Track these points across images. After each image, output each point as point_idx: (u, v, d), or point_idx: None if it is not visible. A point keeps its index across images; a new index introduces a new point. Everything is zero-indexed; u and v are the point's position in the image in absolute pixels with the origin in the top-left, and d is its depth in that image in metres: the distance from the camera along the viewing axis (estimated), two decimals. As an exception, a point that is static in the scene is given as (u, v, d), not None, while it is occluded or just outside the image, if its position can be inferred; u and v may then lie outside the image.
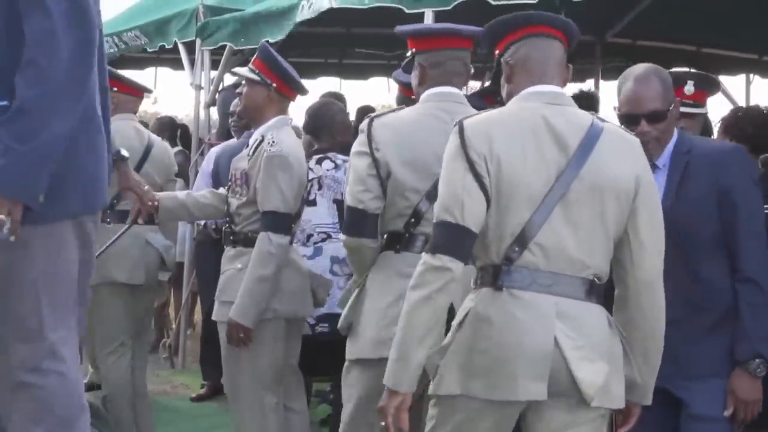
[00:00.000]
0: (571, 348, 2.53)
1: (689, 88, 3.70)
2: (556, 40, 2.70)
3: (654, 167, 2.93)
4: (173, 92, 57.94)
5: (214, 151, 6.04)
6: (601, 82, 8.39)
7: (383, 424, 2.59)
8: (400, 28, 3.38)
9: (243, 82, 4.16)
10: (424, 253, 2.60)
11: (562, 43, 2.72)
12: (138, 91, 5.12)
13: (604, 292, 2.65)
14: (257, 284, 3.80)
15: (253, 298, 3.81)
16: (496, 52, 2.76)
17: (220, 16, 6.81)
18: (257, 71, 3.97)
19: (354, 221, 3.22)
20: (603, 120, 2.69)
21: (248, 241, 3.90)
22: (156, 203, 4.09)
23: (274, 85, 3.94)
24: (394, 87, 4.92)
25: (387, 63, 9.27)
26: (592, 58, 8.14)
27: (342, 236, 3.32)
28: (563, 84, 2.71)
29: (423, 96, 3.27)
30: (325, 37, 7.85)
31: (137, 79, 5.29)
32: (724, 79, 8.62)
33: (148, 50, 7.87)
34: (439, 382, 2.62)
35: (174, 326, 7.27)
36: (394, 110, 3.34)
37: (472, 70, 3.37)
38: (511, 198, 2.56)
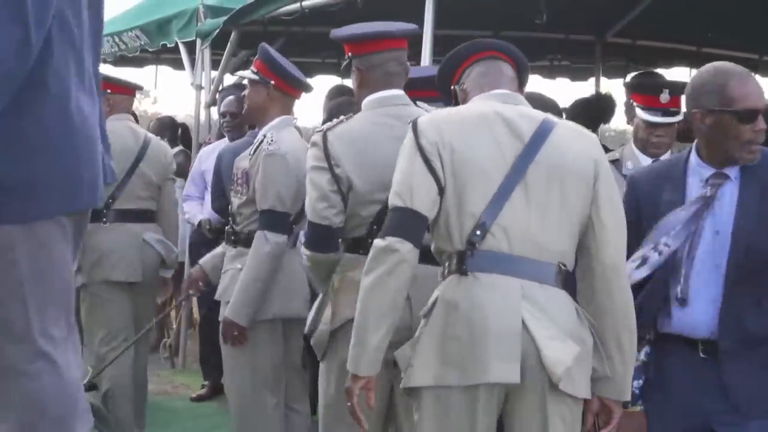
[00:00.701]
0: (538, 328, 2.55)
1: (665, 96, 3.77)
2: (505, 62, 2.84)
3: (724, 177, 2.76)
4: (173, 92, 57.88)
5: (205, 151, 6.06)
6: (602, 82, 8.38)
7: (349, 404, 2.68)
8: (334, 33, 3.39)
9: (246, 83, 4.18)
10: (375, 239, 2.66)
11: (511, 66, 2.85)
12: (130, 90, 5.17)
13: (570, 285, 2.68)
14: (252, 283, 3.82)
15: (249, 297, 3.83)
16: (453, 87, 2.89)
17: (219, 18, 6.81)
18: (257, 71, 4.01)
19: (320, 237, 3.24)
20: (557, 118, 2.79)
21: (248, 241, 3.92)
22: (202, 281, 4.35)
23: (273, 82, 3.97)
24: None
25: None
26: (592, 58, 8.14)
27: (306, 251, 3.32)
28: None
29: (366, 102, 3.29)
30: (324, 37, 7.84)
31: (137, 79, 5.33)
32: (725, 79, 8.63)
33: (149, 50, 7.88)
34: (411, 373, 2.65)
35: (174, 326, 7.28)
36: (341, 120, 3.31)
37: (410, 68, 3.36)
38: (468, 183, 2.61)
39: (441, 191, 2.63)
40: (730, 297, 2.68)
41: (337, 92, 5.22)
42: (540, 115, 2.74)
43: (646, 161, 3.77)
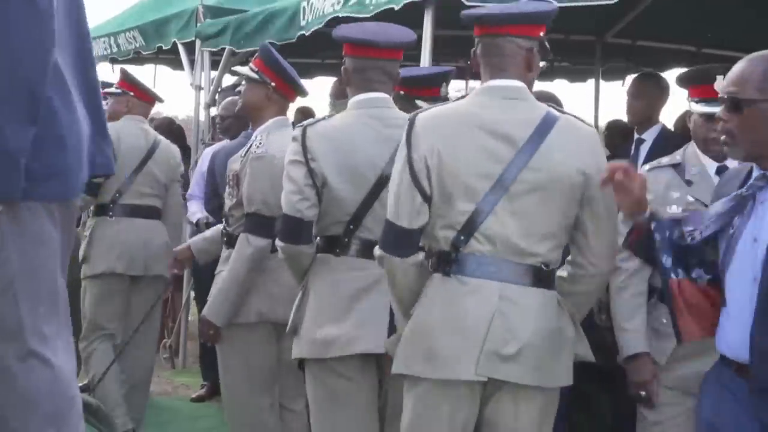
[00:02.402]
0: (507, 329, 2.69)
1: (720, 83, 3.40)
2: (520, 38, 2.79)
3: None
4: (173, 92, 57.97)
5: (210, 150, 6.07)
6: (601, 82, 8.38)
7: None
8: (335, 31, 3.39)
9: (243, 81, 4.18)
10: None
11: (526, 38, 2.80)
12: (150, 98, 5.44)
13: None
14: (230, 284, 3.84)
15: (226, 298, 3.86)
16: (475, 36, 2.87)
17: (220, 19, 6.81)
18: (257, 70, 3.98)
19: (291, 229, 3.30)
20: (562, 112, 2.80)
21: None
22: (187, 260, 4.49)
23: (273, 84, 3.95)
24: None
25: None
26: (592, 58, 8.14)
27: (278, 242, 3.37)
28: (523, 78, 2.81)
29: (351, 102, 3.36)
30: (324, 37, 7.84)
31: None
32: (724, 80, 8.62)
33: (143, 53, 7.88)
34: (395, 363, 2.83)
35: (174, 326, 7.27)
36: (323, 118, 3.38)
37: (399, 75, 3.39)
38: (454, 194, 2.72)
39: (428, 200, 2.75)
40: (763, 317, 2.36)
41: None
42: (539, 113, 2.76)
43: (711, 166, 3.29)
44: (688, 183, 3.26)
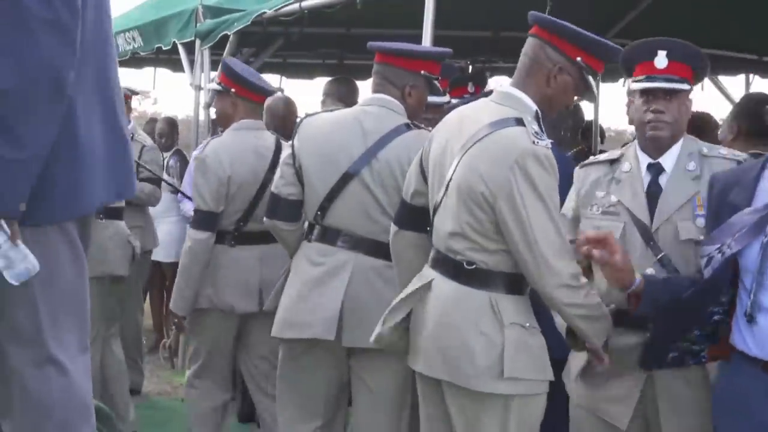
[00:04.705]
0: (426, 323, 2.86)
1: (661, 60, 3.07)
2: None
3: None
4: (173, 92, 58.01)
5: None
6: (601, 83, 8.37)
7: None
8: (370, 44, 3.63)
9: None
10: None
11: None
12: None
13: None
14: (179, 276, 4.21)
15: (179, 288, 4.21)
16: None
17: (219, 19, 6.81)
18: (219, 82, 4.35)
19: (270, 204, 3.63)
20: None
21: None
22: None
23: (233, 90, 4.27)
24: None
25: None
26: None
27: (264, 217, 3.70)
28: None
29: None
30: (324, 38, 7.84)
31: (136, 79, 5.49)
32: (724, 80, 8.62)
33: (141, 54, 7.88)
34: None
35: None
36: (327, 110, 3.74)
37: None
38: (431, 188, 2.96)
39: (425, 183, 3.00)
40: None
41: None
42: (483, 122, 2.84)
43: (644, 161, 3.03)
44: (617, 182, 3.03)
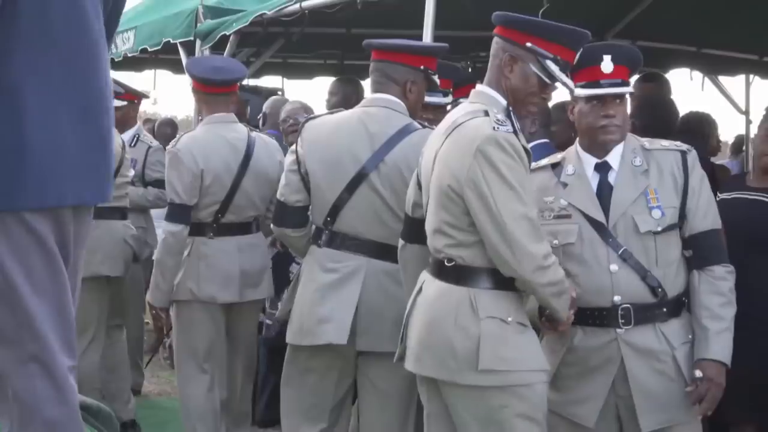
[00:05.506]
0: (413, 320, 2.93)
1: (607, 65, 3.03)
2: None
3: None
4: (173, 93, 58.16)
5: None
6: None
7: None
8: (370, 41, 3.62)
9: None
10: None
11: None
12: (133, 96, 5.51)
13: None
14: (156, 268, 4.28)
15: (155, 280, 4.28)
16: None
17: (219, 19, 6.80)
18: (191, 83, 4.49)
19: (277, 212, 3.62)
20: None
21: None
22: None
23: (191, 84, 4.43)
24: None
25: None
26: (592, 58, 8.12)
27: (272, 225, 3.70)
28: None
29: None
30: (325, 38, 7.84)
31: (136, 80, 5.50)
32: (724, 80, 8.62)
33: (141, 54, 7.87)
34: None
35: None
36: (329, 113, 3.70)
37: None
38: (428, 198, 2.95)
39: (421, 194, 3.01)
40: None
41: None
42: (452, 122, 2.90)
43: (590, 163, 3.05)
44: (564, 185, 3.06)
